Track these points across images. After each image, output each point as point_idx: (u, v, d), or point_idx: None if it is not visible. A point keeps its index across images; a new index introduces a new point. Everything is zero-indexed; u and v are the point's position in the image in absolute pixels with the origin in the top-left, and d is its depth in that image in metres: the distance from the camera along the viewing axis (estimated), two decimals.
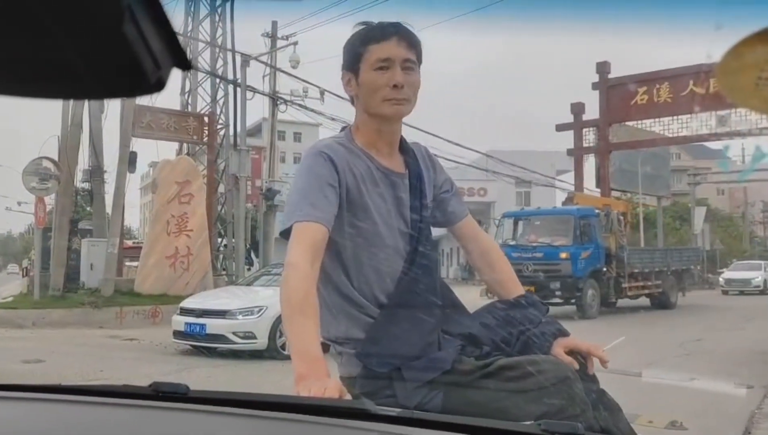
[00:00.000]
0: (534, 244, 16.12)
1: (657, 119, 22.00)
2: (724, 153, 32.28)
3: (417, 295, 1.73)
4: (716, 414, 5.78)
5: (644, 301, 18.26)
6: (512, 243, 16.18)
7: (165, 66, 0.60)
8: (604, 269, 16.38)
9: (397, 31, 1.71)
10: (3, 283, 24.23)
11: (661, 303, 18.26)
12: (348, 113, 1.90)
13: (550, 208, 19.22)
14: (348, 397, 1.39)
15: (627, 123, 22.78)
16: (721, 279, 27.59)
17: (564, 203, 18.76)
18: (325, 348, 1.52)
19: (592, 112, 23.06)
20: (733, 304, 20.02)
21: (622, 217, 18.29)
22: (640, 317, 16.15)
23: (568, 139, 23.64)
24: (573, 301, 15.68)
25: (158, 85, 0.62)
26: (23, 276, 22.42)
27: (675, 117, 21.58)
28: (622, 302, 17.69)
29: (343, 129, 1.86)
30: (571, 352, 1.73)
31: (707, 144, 35.39)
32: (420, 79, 1.74)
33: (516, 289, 1.91)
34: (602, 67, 22.59)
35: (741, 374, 7.54)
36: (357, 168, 1.72)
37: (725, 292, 26.25)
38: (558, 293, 15.42)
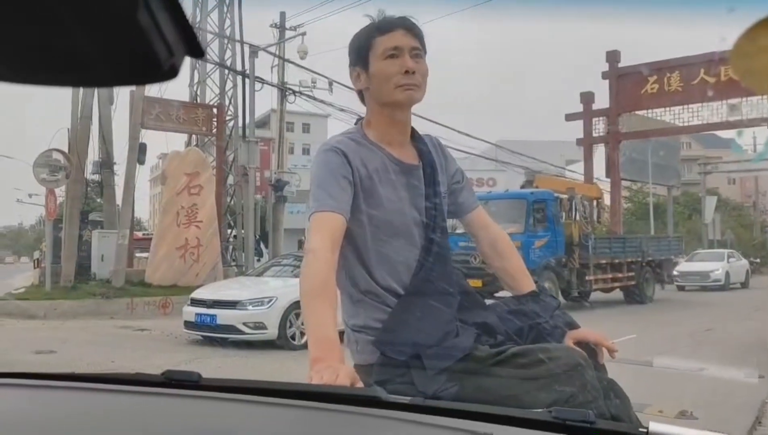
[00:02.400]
0: None
1: (667, 108, 21.82)
2: (736, 141, 31.98)
3: (432, 283, 1.74)
4: (727, 404, 5.77)
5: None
6: (460, 231, 15.02)
7: (178, 53, 0.61)
8: (564, 260, 14.89)
9: (402, 23, 1.76)
10: (15, 275, 24.40)
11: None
12: (357, 104, 1.92)
13: (503, 192, 17.15)
14: (360, 384, 1.39)
15: (637, 112, 22.62)
16: (676, 271, 22.29)
17: (523, 186, 16.62)
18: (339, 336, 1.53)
19: (601, 101, 22.94)
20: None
21: (589, 203, 16.81)
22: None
23: (577, 128, 23.54)
24: None
25: (171, 73, 0.62)
26: (35, 267, 22.58)
27: (686, 106, 21.39)
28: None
29: (357, 121, 1.89)
30: (580, 343, 1.75)
31: (718, 133, 35.12)
32: (428, 68, 1.78)
33: (525, 279, 1.96)
34: (612, 56, 22.44)
35: (750, 363, 7.51)
36: (370, 161, 1.75)
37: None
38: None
